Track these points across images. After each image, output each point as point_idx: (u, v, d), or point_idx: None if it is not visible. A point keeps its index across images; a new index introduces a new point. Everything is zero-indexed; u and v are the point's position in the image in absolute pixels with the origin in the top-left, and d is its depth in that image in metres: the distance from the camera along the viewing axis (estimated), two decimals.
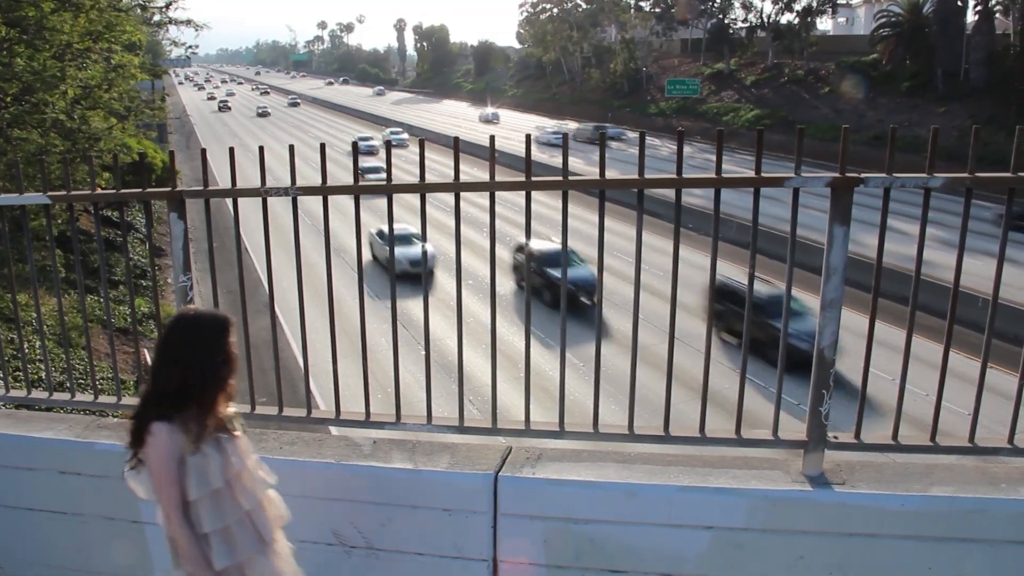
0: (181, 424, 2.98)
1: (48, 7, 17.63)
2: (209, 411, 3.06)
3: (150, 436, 2.95)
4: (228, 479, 3.10)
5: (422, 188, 3.76)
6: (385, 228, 24.14)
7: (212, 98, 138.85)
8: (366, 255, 25.77)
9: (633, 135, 71.40)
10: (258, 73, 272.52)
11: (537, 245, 24.15)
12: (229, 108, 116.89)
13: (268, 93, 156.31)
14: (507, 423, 3.99)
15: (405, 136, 60.50)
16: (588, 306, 23.53)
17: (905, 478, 3.50)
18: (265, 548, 3.19)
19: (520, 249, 28.09)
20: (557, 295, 16.08)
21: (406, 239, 27.00)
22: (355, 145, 4.26)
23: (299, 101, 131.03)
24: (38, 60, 17.55)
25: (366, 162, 45.95)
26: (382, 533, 3.81)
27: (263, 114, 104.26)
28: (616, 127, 72.65)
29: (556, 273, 20.50)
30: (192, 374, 3.00)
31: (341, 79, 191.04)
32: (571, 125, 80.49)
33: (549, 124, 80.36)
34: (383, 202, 3.87)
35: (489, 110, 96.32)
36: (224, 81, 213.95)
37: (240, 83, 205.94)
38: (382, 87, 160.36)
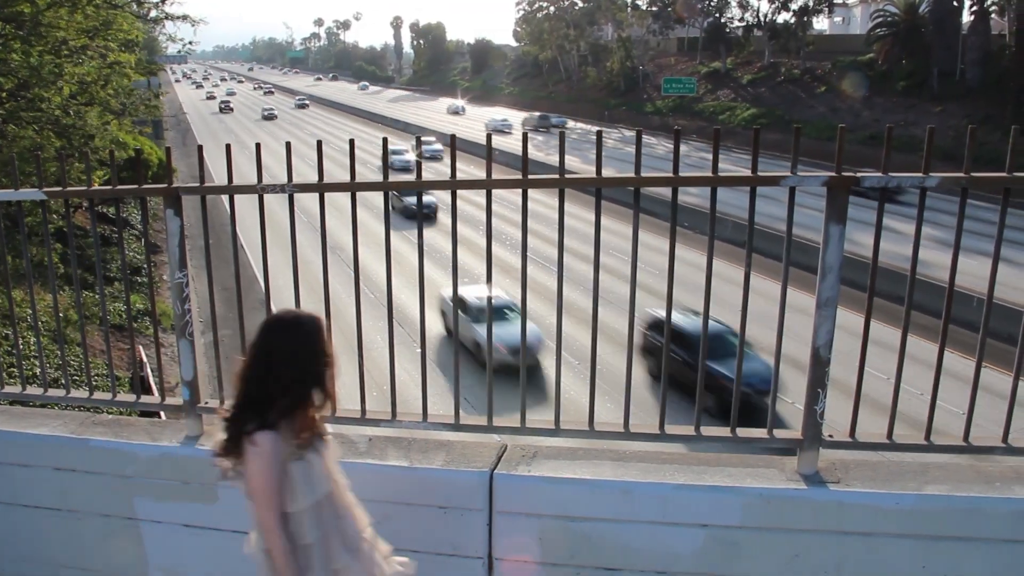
0: (284, 431, 2.87)
1: (44, 2, 17.59)
2: (312, 416, 2.98)
3: (254, 446, 2.81)
4: (328, 486, 3.02)
5: (419, 185, 3.76)
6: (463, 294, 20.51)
7: (212, 97, 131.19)
8: (437, 327, 22.94)
9: (584, 126, 72.58)
10: (251, 69, 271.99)
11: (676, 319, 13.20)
12: (231, 109, 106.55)
13: (272, 92, 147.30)
14: (503, 421, 3.99)
15: (439, 147, 53.88)
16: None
17: (900, 477, 3.51)
18: (357, 555, 3.11)
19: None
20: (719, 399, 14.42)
21: (500, 313, 18.97)
22: (351, 142, 4.25)
23: (307, 102, 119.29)
24: (34, 56, 17.51)
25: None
26: (377, 530, 3.80)
27: (269, 117, 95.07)
28: (560, 116, 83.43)
29: (722, 370, 14.71)
30: (297, 377, 2.89)
31: (331, 75, 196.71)
32: (567, 123, 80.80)
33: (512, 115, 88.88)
34: (379, 199, 3.87)
35: (458, 103, 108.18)
36: (224, 79, 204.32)
37: (240, 81, 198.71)
38: (366, 83, 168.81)
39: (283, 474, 2.87)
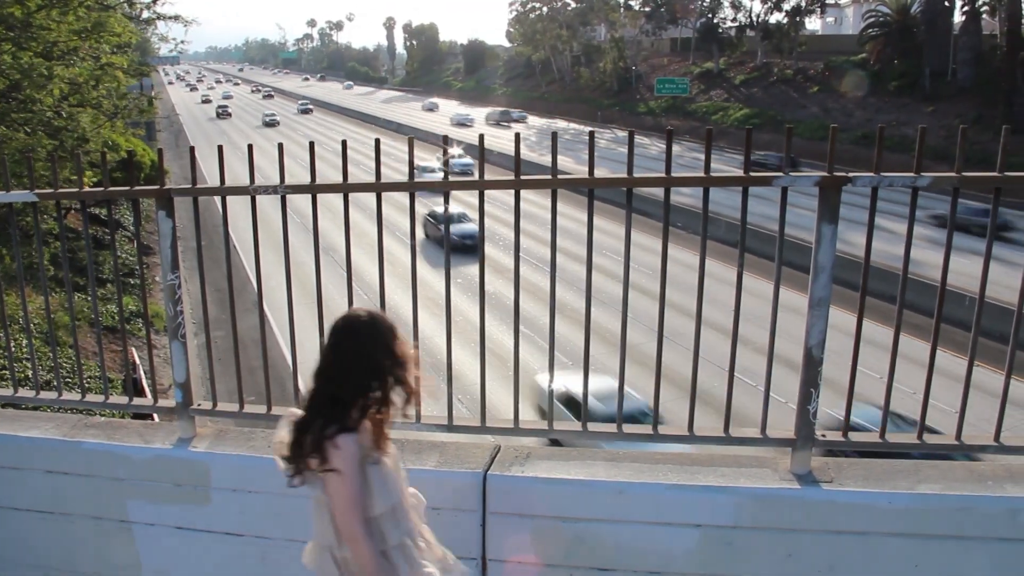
0: (362, 434, 2.82)
1: (34, 4, 17.53)
2: (389, 417, 2.91)
3: (336, 450, 2.73)
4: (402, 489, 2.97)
5: (411, 187, 3.76)
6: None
7: (207, 101, 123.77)
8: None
9: (577, 127, 73.02)
10: (241, 69, 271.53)
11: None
12: (229, 114, 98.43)
13: (272, 96, 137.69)
14: (496, 422, 3.99)
15: (469, 161, 53.08)
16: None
17: (892, 476, 3.51)
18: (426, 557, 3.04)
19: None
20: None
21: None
22: (344, 144, 4.25)
23: (311, 107, 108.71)
24: (25, 57, 17.46)
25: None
26: None
27: (271, 123, 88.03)
28: (520, 111, 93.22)
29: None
30: (376, 378, 2.82)
31: (319, 76, 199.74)
32: (559, 124, 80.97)
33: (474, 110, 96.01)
34: (371, 200, 3.87)
35: (431, 100, 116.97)
36: (219, 81, 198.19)
37: (236, 83, 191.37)
38: (351, 83, 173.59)
39: (363, 478, 2.81)
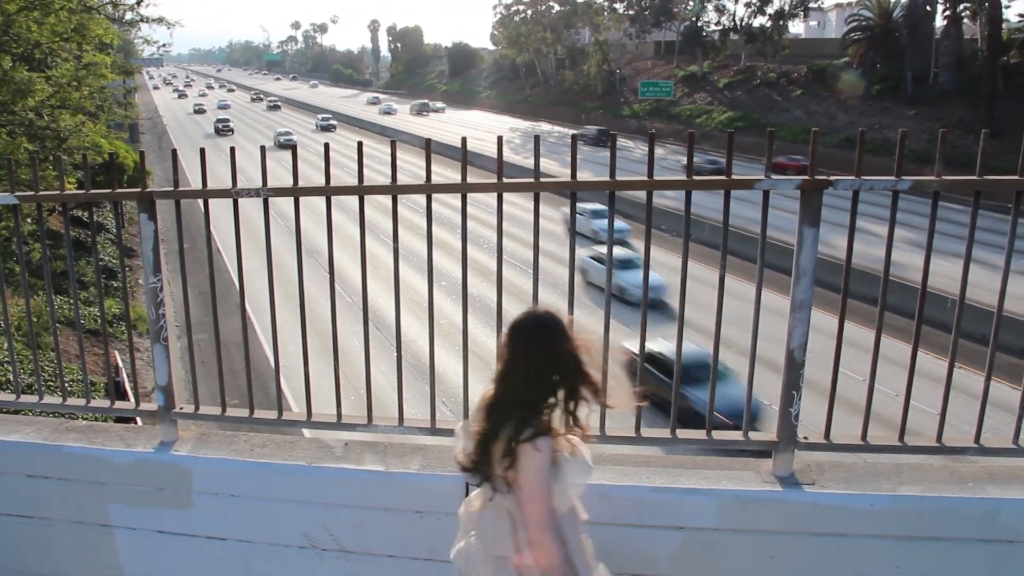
0: (553, 435, 2.76)
1: (14, 7, 17.42)
2: (576, 416, 2.85)
3: (535, 453, 2.68)
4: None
5: (394, 190, 3.75)
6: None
7: (200, 111, 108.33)
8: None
9: (561, 129, 73.34)
10: (219, 71, 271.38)
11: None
12: (231, 130, 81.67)
13: (279, 107, 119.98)
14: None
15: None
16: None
17: (874, 478, 3.53)
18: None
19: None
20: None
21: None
22: (327, 146, 4.24)
23: (334, 124, 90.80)
24: (5, 61, 17.34)
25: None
26: (354, 535, 3.79)
27: (286, 144, 66.86)
28: (441, 103, 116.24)
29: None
30: (563, 377, 2.78)
31: (291, 76, 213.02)
32: (544, 127, 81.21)
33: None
34: (355, 203, 3.86)
35: (375, 95, 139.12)
36: (211, 86, 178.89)
37: (231, 89, 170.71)
38: (316, 82, 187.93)
39: (553, 480, 2.76)
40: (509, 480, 2.75)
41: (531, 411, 2.75)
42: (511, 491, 2.77)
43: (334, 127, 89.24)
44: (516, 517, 2.81)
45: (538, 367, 2.76)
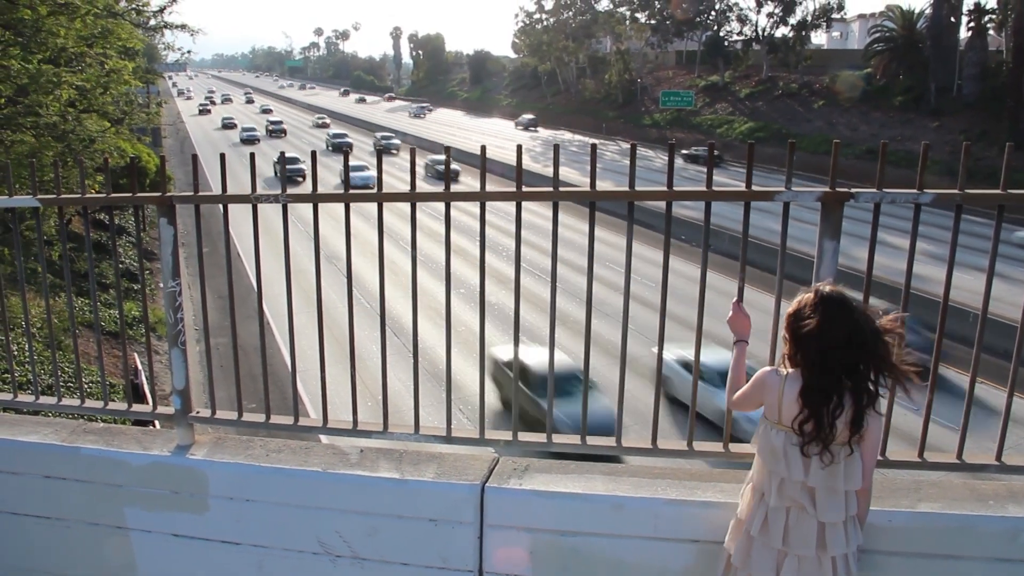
0: None
1: (44, 10, 17.59)
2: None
3: (880, 416, 3.03)
4: None
5: (413, 197, 3.75)
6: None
7: (230, 126, 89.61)
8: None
9: (582, 138, 73.27)
10: (257, 76, 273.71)
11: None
12: (302, 177, 47.88)
13: (327, 124, 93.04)
14: (495, 434, 3.98)
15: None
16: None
17: (892, 493, 3.49)
18: None
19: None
20: None
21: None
22: (346, 154, 4.25)
23: (397, 143, 69.46)
24: (33, 63, 17.51)
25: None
26: (368, 542, 3.79)
27: (386, 148, 61.27)
28: (428, 105, 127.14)
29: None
30: (877, 352, 2.96)
31: (310, 85, 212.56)
32: (565, 135, 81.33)
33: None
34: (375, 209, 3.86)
35: (358, 96, 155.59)
36: (251, 101, 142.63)
37: (267, 109, 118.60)
38: (312, 84, 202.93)
39: None
40: (853, 444, 3.00)
41: (865, 379, 2.96)
42: (853, 453, 3.00)
43: (397, 148, 67.14)
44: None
45: (864, 339, 2.94)
